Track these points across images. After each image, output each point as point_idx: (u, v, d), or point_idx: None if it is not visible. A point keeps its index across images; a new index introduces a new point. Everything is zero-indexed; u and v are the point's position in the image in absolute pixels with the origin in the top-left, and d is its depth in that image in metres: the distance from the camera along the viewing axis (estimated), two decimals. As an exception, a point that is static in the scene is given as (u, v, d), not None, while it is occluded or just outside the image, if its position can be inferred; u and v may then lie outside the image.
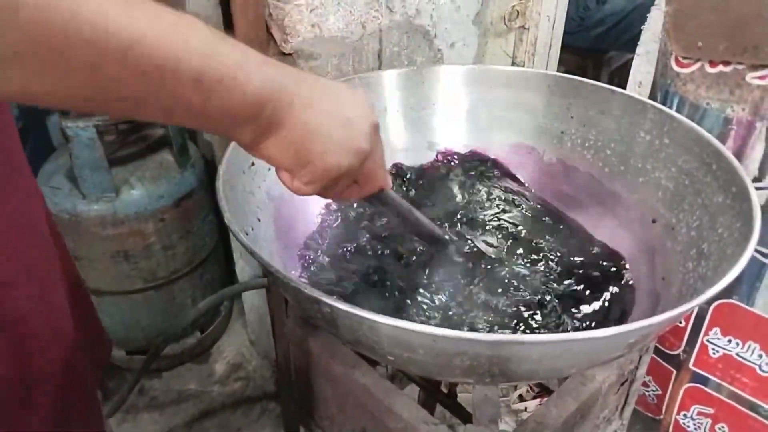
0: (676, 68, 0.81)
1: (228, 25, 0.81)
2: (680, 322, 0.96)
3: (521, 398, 1.26)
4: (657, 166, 0.70)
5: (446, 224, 0.70)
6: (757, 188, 0.80)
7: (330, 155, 0.42)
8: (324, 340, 0.66)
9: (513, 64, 1.03)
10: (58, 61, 0.29)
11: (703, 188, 0.64)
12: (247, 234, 0.60)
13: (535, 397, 1.24)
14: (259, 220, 0.65)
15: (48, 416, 0.47)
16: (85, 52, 0.29)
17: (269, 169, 0.69)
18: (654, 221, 0.68)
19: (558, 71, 1.04)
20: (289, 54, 0.79)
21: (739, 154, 0.79)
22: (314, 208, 0.73)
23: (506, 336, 0.51)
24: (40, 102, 0.32)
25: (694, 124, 0.66)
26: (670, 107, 0.82)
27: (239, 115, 0.38)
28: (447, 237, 0.66)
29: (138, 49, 0.31)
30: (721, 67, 0.77)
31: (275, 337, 0.77)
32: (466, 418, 0.73)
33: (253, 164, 0.66)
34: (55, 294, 0.49)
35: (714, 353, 0.94)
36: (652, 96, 0.87)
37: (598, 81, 0.77)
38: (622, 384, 0.71)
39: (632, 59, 0.89)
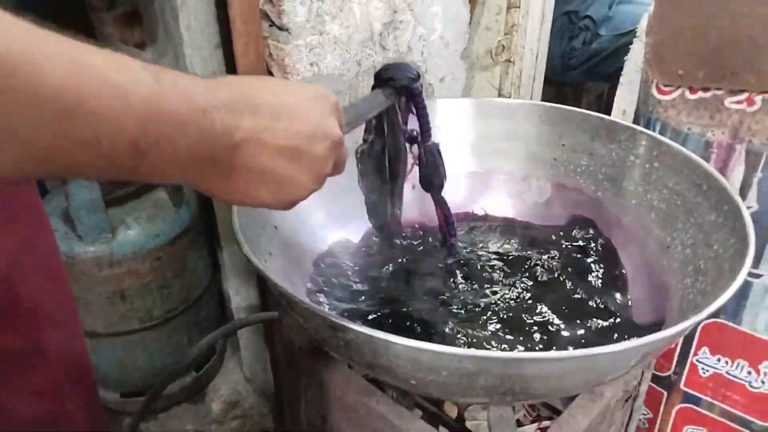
0: (657, 96, 0.85)
1: (230, 65, 0.83)
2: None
3: (519, 423, 1.26)
4: (648, 188, 0.74)
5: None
6: (741, 207, 0.84)
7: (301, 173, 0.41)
8: (337, 370, 0.67)
9: (499, 95, 1.07)
10: None
11: (695, 208, 0.67)
12: (265, 261, 0.61)
13: (533, 422, 1.25)
14: (271, 254, 0.67)
15: None
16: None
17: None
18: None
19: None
20: (289, 92, 0.81)
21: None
22: (322, 239, 0.74)
23: (530, 354, 0.53)
24: None
25: (681, 147, 0.70)
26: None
27: (175, 172, 0.36)
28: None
29: (75, 117, 0.28)
30: (700, 93, 0.82)
31: (278, 370, 0.77)
32: (476, 442, 0.74)
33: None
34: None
35: (704, 372, 0.96)
36: (636, 123, 0.91)
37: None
38: (627, 400, 0.73)
39: (609, 89, 0.94)
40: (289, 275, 0.69)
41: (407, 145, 0.67)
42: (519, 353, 0.46)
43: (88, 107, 0.29)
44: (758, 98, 0.78)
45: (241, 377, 1.34)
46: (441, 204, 0.72)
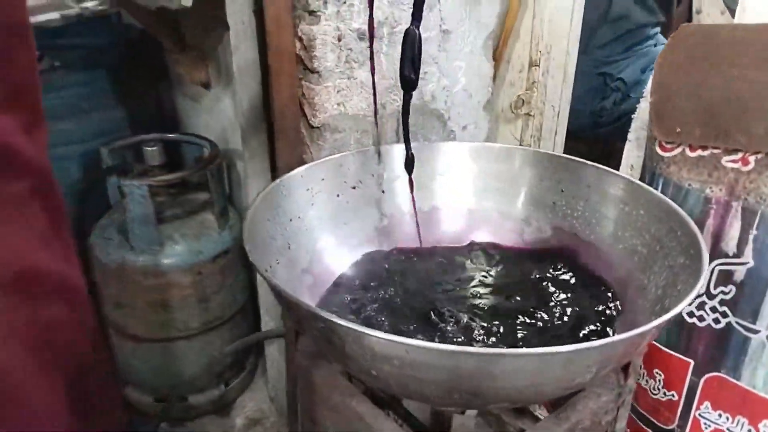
0: (660, 152, 0.90)
1: (266, 102, 0.95)
2: (673, 396, 0.99)
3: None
4: (634, 234, 0.78)
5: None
6: (737, 264, 0.86)
7: None
8: (326, 373, 0.74)
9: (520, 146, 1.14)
10: None
11: (670, 252, 0.71)
12: (266, 270, 0.70)
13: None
14: (278, 262, 0.75)
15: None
16: None
17: (290, 220, 0.80)
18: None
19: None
20: (317, 127, 0.92)
21: (719, 231, 0.87)
22: (337, 262, 0.83)
23: (471, 348, 0.58)
24: None
25: (664, 197, 0.75)
26: (657, 187, 0.91)
27: None
28: None
29: None
30: (699, 151, 0.86)
31: (287, 375, 0.85)
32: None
33: (276, 214, 0.77)
34: None
35: (706, 428, 0.97)
36: (642, 177, 0.96)
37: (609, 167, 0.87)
38: (602, 436, 0.76)
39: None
40: (299, 282, 0.77)
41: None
42: (460, 347, 0.51)
43: None
44: (752, 158, 0.82)
45: (266, 396, 1.42)
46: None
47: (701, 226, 0.87)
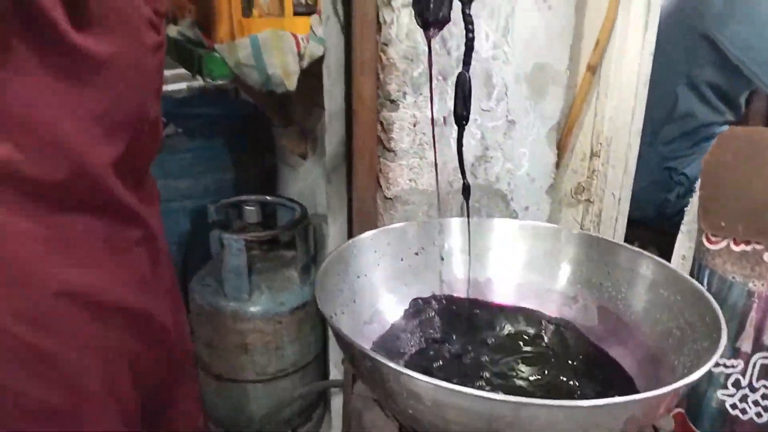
0: (707, 244, 0.95)
1: (349, 174, 1.09)
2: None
3: None
4: (669, 317, 0.84)
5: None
6: (781, 356, 0.89)
7: None
8: (375, 416, 0.83)
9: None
10: None
11: (699, 336, 0.77)
12: (331, 317, 0.81)
13: None
14: (343, 312, 0.87)
15: None
16: None
17: (357, 277, 0.92)
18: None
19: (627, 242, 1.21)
20: (390, 198, 1.04)
21: (761, 325, 0.90)
22: (391, 313, 0.93)
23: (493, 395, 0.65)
24: None
25: (697, 284, 0.80)
26: (703, 278, 0.96)
27: None
28: None
29: None
30: (743, 246, 0.91)
31: (343, 417, 0.94)
32: None
33: (345, 270, 0.89)
34: None
35: None
36: (692, 268, 1.01)
37: (667, 255, 0.93)
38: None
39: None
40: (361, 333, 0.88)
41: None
42: (487, 393, 0.59)
43: None
44: (792, 256, 0.86)
45: (330, 445, 1.51)
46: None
47: (744, 318, 0.91)
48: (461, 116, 0.78)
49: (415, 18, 0.71)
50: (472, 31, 0.71)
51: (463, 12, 0.69)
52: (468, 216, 0.90)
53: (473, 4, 0.73)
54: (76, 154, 0.58)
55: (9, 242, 0.57)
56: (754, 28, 1.44)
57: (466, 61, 0.75)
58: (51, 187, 0.58)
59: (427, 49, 0.85)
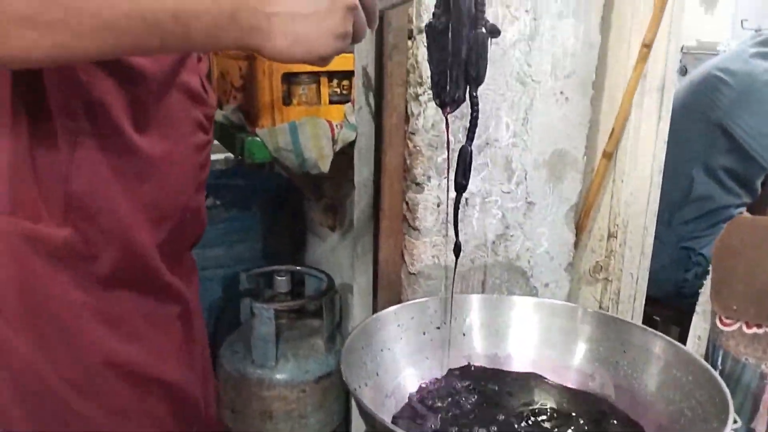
0: (720, 326, 0.98)
1: (375, 248, 1.15)
2: None
3: None
4: (682, 397, 0.86)
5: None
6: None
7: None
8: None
9: (600, 308, 1.24)
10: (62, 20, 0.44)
11: (709, 417, 0.79)
12: (354, 389, 0.85)
13: None
14: (366, 384, 0.91)
15: None
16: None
17: (381, 350, 0.96)
18: None
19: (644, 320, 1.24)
20: (414, 273, 1.10)
21: (776, 405, 0.92)
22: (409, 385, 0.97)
23: None
24: (44, 60, 0.48)
25: (707, 365, 0.83)
26: (716, 359, 0.98)
27: (220, 35, 0.50)
28: None
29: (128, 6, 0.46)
30: (755, 329, 0.94)
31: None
32: None
33: (370, 343, 0.93)
34: None
35: None
36: (706, 349, 1.03)
37: (686, 333, 0.96)
38: None
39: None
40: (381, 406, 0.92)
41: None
42: None
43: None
44: (803, 340, 0.89)
45: None
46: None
47: (758, 400, 0.93)
48: (460, 184, 0.84)
49: (434, 99, 0.79)
50: (477, 111, 0.79)
51: (470, 94, 0.76)
52: (453, 279, 0.94)
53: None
54: (126, 238, 0.66)
55: (66, 312, 0.64)
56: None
57: (470, 136, 0.81)
58: (103, 265, 0.65)
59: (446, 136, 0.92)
